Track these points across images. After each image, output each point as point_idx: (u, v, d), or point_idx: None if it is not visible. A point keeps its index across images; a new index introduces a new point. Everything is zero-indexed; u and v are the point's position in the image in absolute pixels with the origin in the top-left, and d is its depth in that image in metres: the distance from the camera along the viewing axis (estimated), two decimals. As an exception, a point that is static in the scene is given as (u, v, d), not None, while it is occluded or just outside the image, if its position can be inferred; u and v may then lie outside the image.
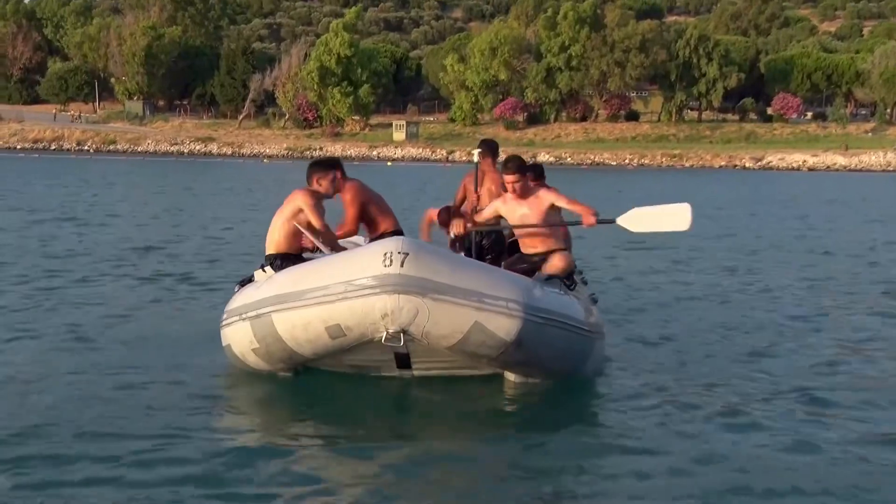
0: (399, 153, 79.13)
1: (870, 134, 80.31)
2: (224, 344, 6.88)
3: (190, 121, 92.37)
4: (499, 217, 7.50)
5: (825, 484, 5.12)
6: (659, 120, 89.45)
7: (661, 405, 6.49)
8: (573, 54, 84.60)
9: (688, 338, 8.78)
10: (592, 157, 76.89)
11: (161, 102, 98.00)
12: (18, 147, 77.75)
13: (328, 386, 6.69)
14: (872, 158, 72.07)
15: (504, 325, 6.06)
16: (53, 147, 78.87)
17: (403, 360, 6.54)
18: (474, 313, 5.98)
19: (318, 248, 7.19)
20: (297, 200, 7.06)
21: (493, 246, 7.89)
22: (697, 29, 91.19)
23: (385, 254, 5.87)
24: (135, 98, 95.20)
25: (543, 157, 74.59)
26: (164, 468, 5.11)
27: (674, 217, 7.17)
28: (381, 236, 7.13)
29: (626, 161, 75.71)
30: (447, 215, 7.85)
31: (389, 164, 68.50)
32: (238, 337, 6.60)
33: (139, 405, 6.20)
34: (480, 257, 7.56)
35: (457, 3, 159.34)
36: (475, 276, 6.13)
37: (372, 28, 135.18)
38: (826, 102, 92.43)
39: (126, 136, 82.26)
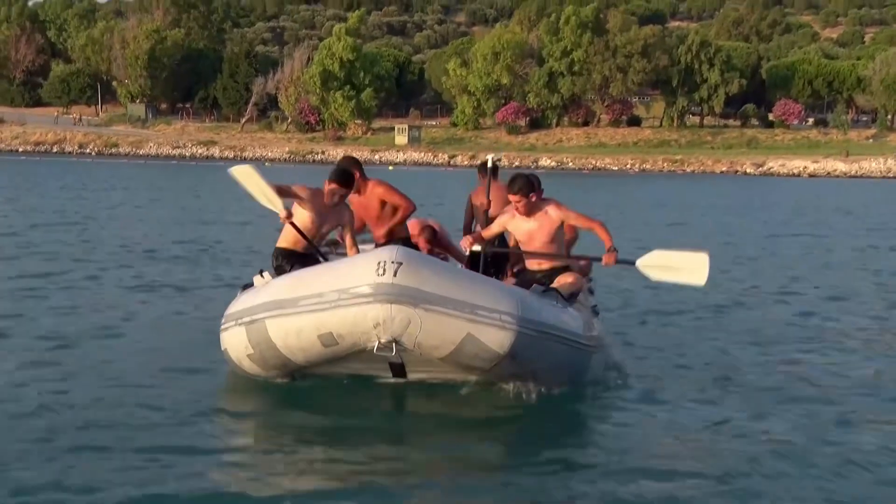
0: (401, 157, 79.32)
1: (871, 140, 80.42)
2: (222, 348, 6.89)
3: (192, 124, 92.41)
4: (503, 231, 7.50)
5: (829, 493, 5.13)
6: (661, 125, 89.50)
7: (659, 413, 6.49)
8: (575, 59, 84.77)
9: (687, 346, 8.76)
10: (594, 161, 77.07)
11: (163, 106, 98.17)
12: (20, 150, 77.70)
13: (325, 391, 6.68)
14: (873, 165, 72.14)
15: (497, 338, 5.99)
16: (55, 150, 78.85)
17: (398, 370, 6.50)
18: (467, 325, 5.92)
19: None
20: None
21: (496, 260, 7.86)
22: (699, 35, 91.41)
23: (379, 263, 5.84)
24: (137, 101, 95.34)
25: (545, 162, 74.88)
26: (161, 472, 5.12)
27: (692, 270, 7.08)
28: (387, 241, 7.18)
29: (628, 166, 76.06)
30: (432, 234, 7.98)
31: (391, 168, 68.42)
32: (234, 342, 6.60)
33: (138, 408, 6.22)
34: (485, 272, 7.46)
35: (460, 7, 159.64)
36: (469, 288, 6.07)
37: (375, 32, 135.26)
38: (827, 109, 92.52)
39: (128, 139, 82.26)
